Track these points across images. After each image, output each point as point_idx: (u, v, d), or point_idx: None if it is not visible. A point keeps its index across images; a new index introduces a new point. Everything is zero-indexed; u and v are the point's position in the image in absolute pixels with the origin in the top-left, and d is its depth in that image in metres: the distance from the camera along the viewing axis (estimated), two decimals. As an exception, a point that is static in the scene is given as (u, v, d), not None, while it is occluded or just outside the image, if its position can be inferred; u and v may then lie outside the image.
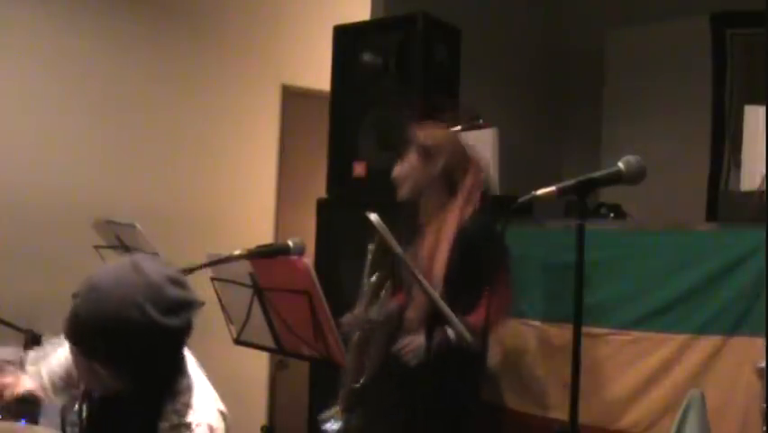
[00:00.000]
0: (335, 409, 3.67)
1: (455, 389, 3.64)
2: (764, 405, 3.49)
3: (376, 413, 3.73)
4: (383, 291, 3.69)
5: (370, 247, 3.57)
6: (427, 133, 3.88)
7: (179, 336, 2.28)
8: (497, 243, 3.73)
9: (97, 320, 2.13)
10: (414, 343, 3.60)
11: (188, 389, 2.32)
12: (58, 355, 2.63)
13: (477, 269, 3.66)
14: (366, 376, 3.69)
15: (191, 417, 2.26)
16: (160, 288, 2.19)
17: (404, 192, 3.87)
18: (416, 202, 3.90)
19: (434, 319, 3.45)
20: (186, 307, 2.24)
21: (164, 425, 2.24)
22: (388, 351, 3.70)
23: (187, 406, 2.28)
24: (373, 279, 3.67)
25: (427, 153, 3.82)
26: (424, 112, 4.17)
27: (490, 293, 3.65)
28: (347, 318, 3.70)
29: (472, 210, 3.78)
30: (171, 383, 2.32)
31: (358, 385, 3.66)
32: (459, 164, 3.86)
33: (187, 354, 2.42)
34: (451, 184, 3.82)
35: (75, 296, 2.17)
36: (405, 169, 3.85)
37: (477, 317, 3.61)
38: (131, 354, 2.17)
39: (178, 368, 2.37)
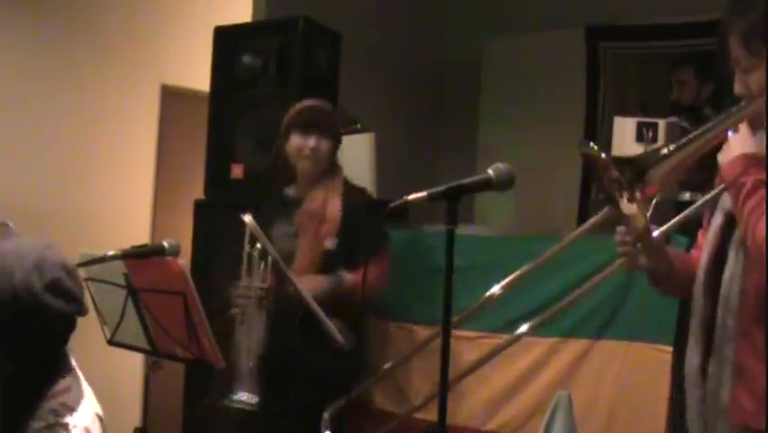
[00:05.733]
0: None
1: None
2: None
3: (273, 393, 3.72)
4: (263, 263, 3.69)
5: (247, 219, 3.57)
6: (333, 111, 4.08)
7: (65, 321, 2.31)
8: (374, 222, 3.86)
9: None
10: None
11: (68, 390, 2.31)
12: None
13: (359, 238, 3.81)
14: (254, 355, 3.66)
15: (68, 418, 2.25)
16: (57, 275, 2.25)
17: (318, 170, 3.96)
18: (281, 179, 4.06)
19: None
20: (75, 297, 2.30)
21: (39, 424, 2.22)
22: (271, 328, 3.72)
23: (65, 407, 2.26)
24: (256, 252, 3.67)
25: (336, 132, 4.00)
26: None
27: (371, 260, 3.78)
28: (237, 290, 3.68)
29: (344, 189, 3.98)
30: (49, 375, 2.31)
31: (251, 365, 3.63)
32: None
33: (72, 360, 2.41)
34: (336, 162, 4.03)
35: None
36: (327, 145, 3.95)
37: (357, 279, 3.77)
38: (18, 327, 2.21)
39: (60, 361, 2.36)
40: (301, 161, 3.95)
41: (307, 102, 4.01)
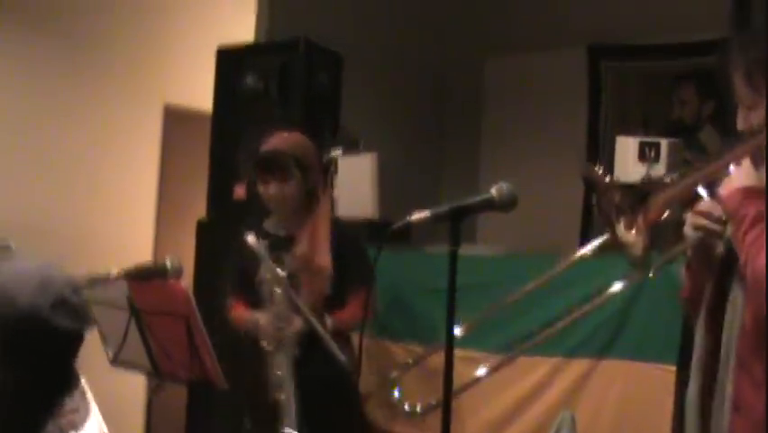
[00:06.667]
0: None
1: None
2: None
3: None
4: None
5: (250, 239, 3.54)
6: (297, 146, 3.85)
7: (74, 339, 2.30)
8: (364, 257, 3.82)
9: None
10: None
11: (76, 410, 2.30)
12: None
13: (344, 273, 3.74)
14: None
15: None
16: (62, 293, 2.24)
17: (290, 210, 3.81)
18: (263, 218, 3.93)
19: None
20: (82, 313, 2.29)
21: None
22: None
23: (73, 426, 2.26)
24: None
25: (304, 167, 3.79)
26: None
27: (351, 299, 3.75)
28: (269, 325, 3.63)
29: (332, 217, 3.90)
30: (58, 392, 2.30)
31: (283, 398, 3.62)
32: (319, 170, 3.94)
33: (82, 378, 2.41)
34: (315, 191, 3.84)
35: None
36: (290, 188, 3.76)
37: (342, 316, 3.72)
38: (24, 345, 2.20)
39: (68, 378, 2.35)
40: (270, 205, 3.84)
41: (265, 147, 3.86)
